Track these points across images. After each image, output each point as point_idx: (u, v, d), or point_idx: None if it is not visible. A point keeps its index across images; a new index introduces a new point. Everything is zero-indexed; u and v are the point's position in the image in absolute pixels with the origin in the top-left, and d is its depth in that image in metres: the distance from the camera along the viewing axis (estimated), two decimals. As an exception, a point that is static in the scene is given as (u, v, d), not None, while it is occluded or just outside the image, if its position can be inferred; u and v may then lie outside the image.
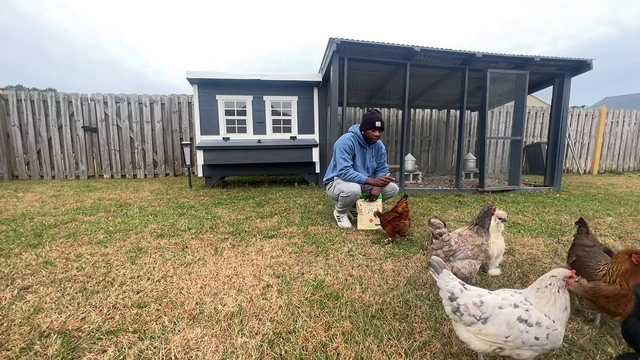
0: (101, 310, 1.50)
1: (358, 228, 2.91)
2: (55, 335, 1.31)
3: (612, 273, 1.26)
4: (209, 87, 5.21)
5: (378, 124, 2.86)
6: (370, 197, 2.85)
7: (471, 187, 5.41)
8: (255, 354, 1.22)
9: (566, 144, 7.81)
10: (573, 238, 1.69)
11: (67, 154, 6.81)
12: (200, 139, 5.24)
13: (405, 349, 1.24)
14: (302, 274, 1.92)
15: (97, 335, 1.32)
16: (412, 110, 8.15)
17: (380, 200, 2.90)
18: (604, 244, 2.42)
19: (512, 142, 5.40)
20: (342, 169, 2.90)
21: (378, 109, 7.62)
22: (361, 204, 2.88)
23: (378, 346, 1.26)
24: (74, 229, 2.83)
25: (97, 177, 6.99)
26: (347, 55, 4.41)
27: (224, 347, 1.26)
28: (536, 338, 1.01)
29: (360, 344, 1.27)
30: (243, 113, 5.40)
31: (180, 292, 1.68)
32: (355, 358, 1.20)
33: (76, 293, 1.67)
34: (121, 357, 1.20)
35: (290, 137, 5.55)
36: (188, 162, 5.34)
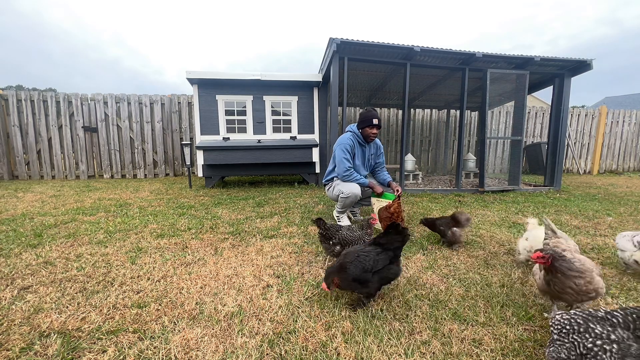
0: (101, 310, 1.50)
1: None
2: (55, 335, 1.31)
3: None
4: (209, 87, 5.21)
5: (375, 121, 2.88)
6: (378, 195, 2.91)
7: (471, 187, 5.41)
8: (255, 354, 1.22)
9: (566, 144, 7.81)
10: None
11: (67, 154, 6.81)
12: (200, 139, 5.24)
13: (405, 349, 1.24)
14: (302, 274, 1.92)
15: (97, 335, 1.32)
16: (412, 110, 8.16)
17: (391, 200, 2.82)
18: (600, 245, 2.43)
19: (512, 142, 5.40)
20: (346, 170, 2.90)
21: (373, 108, 7.63)
22: (374, 203, 2.91)
23: (378, 346, 1.26)
24: (74, 229, 2.83)
25: (97, 177, 6.99)
26: (347, 55, 4.41)
27: (224, 347, 1.26)
28: None
29: (360, 343, 1.27)
30: (243, 113, 5.40)
31: (180, 292, 1.68)
32: (355, 358, 1.20)
33: (76, 293, 1.67)
34: (121, 357, 1.20)
35: (290, 137, 5.55)
36: (188, 162, 5.34)
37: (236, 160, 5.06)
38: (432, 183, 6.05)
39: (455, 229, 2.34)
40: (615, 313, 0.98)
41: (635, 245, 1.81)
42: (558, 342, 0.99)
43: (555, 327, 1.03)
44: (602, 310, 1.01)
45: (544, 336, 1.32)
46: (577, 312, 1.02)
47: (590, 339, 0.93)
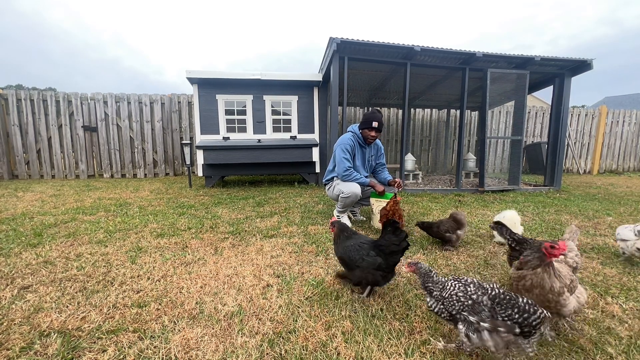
0: (101, 309, 1.50)
1: (371, 225, 2.93)
2: (55, 335, 1.31)
3: None
4: (209, 86, 5.20)
5: (375, 124, 2.85)
6: (380, 194, 2.86)
7: (471, 186, 5.41)
8: (256, 353, 1.22)
9: (566, 143, 7.81)
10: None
11: (67, 153, 6.81)
12: (200, 138, 5.24)
13: (405, 349, 1.24)
14: (302, 273, 1.92)
15: (97, 334, 1.32)
16: (412, 109, 8.15)
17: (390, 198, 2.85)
18: (601, 245, 2.43)
19: (512, 142, 5.40)
20: (346, 170, 2.89)
21: (378, 108, 7.63)
22: (374, 203, 2.89)
23: (378, 346, 1.26)
24: (74, 228, 2.83)
25: (97, 177, 6.98)
26: (347, 54, 4.41)
27: (224, 346, 1.26)
28: None
29: (360, 343, 1.27)
30: (243, 112, 5.40)
31: (180, 292, 1.68)
32: (355, 357, 1.20)
33: (76, 292, 1.67)
34: (121, 356, 1.20)
35: (290, 136, 5.54)
36: (188, 162, 5.34)
37: (236, 160, 5.06)
38: (432, 183, 6.05)
39: (459, 231, 2.30)
40: (493, 287, 1.14)
41: (636, 234, 1.95)
42: (435, 279, 1.26)
43: (447, 278, 1.26)
44: (489, 284, 1.17)
45: (544, 336, 1.32)
46: (467, 278, 1.22)
47: (457, 292, 1.17)
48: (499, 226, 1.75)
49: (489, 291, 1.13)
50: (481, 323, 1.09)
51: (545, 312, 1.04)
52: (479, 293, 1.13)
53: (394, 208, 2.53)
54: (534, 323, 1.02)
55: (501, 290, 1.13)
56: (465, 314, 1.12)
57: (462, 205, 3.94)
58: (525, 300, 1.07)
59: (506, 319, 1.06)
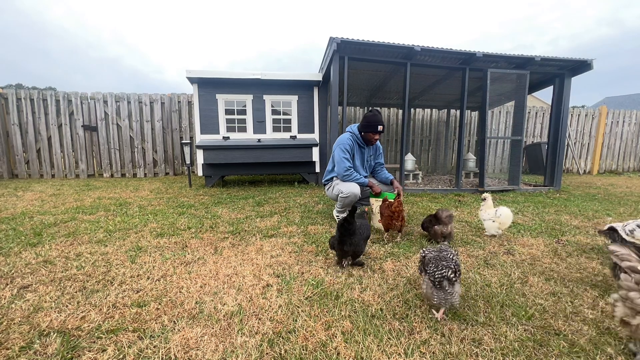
0: (101, 309, 1.50)
1: (371, 224, 2.93)
2: (55, 334, 1.30)
3: None
4: (209, 86, 5.20)
5: (380, 128, 2.85)
6: (376, 194, 2.87)
7: (471, 186, 5.41)
8: (255, 353, 1.22)
9: (566, 144, 7.81)
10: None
11: (66, 152, 6.81)
12: (200, 138, 5.24)
13: (404, 349, 1.24)
14: (302, 273, 1.92)
15: (96, 334, 1.32)
16: (412, 109, 8.15)
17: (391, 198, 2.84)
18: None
19: (512, 142, 5.40)
20: (347, 170, 2.89)
21: (378, 109, 7.62)
22: (374, 203, 2.88)
23: (378, 346, 1.26)
24: (74, 227, 2.83)
25: (97, 176, 6.98)
26: (347, 54, 4.41)
27: (224, 346, 1.26)
28: None
29: (360, 343, 1.27)
30: (243, 112, 5.40)
31: (180, 291, 1.68)
32: (355, 357, 1.20)
33: (76, 292, 1.66)
34: (121, 356, 1.20)
35: (290, 136, 5.54)
36: (188, 161, 5.34)
37: (236, 160, 5.06)
38: (432, 183, 6.05)
39: (436, 227, 2.41)
40: (448, 251, 1.53)
41: (627, 234, 1.94)
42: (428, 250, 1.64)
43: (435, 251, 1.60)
44: (453, 255, 1.50)
45: (544, 336, 1.32)
46: (444, 248, 1.58)
47: (425, 249, 1.61)
48: (612, 232, 1.54)
49: (439, 253, 1.51)
50: (419, 266, 1.58)
51: (448, 273, 1.39)
52: (434, 254, 1.52)
53: (398, 209, 2.53)
54: (436, 275, 1.40)
55: (446, 254, 1.49)
56: (420, 264, 1.58)
57: (462, 206, 3.94)
58: (445, 263, 1.42)
59: (428, 270, 1.46)
